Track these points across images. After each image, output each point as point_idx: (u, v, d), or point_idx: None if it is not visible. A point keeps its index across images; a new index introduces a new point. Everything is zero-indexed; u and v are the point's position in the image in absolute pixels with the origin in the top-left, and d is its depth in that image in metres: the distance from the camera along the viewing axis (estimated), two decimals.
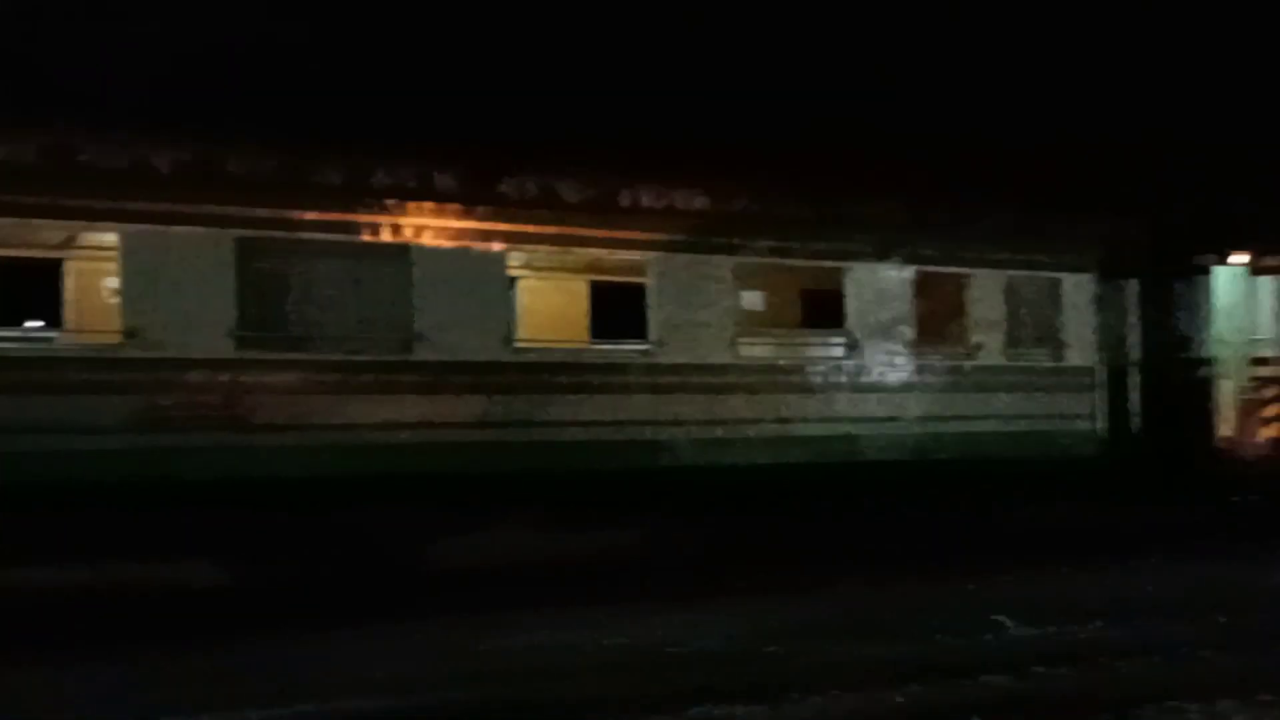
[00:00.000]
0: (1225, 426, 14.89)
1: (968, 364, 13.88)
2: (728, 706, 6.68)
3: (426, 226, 11.49)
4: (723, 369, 12.70)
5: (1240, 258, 14.83)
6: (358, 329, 11.29)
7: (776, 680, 7.25)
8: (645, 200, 12.64)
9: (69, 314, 11.64)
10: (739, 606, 9.85)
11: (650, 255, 12.48)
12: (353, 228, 11.25)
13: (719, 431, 12.62)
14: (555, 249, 12.62)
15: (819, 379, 13.22)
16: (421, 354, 11.35)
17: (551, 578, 10.61)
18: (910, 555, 11.80)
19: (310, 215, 11.04)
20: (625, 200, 12.56)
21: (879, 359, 13.35)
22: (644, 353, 12.42)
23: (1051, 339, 14.43)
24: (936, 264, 13.82)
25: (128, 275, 10.35)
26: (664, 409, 12.36)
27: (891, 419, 13.39)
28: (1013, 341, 14.14)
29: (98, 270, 11.30)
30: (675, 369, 12.46)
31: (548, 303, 13.69)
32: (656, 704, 6.74)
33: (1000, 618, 9.26)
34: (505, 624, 8.92)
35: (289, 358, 10.98)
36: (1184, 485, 14.70)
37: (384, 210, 11.36)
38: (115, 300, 10.55)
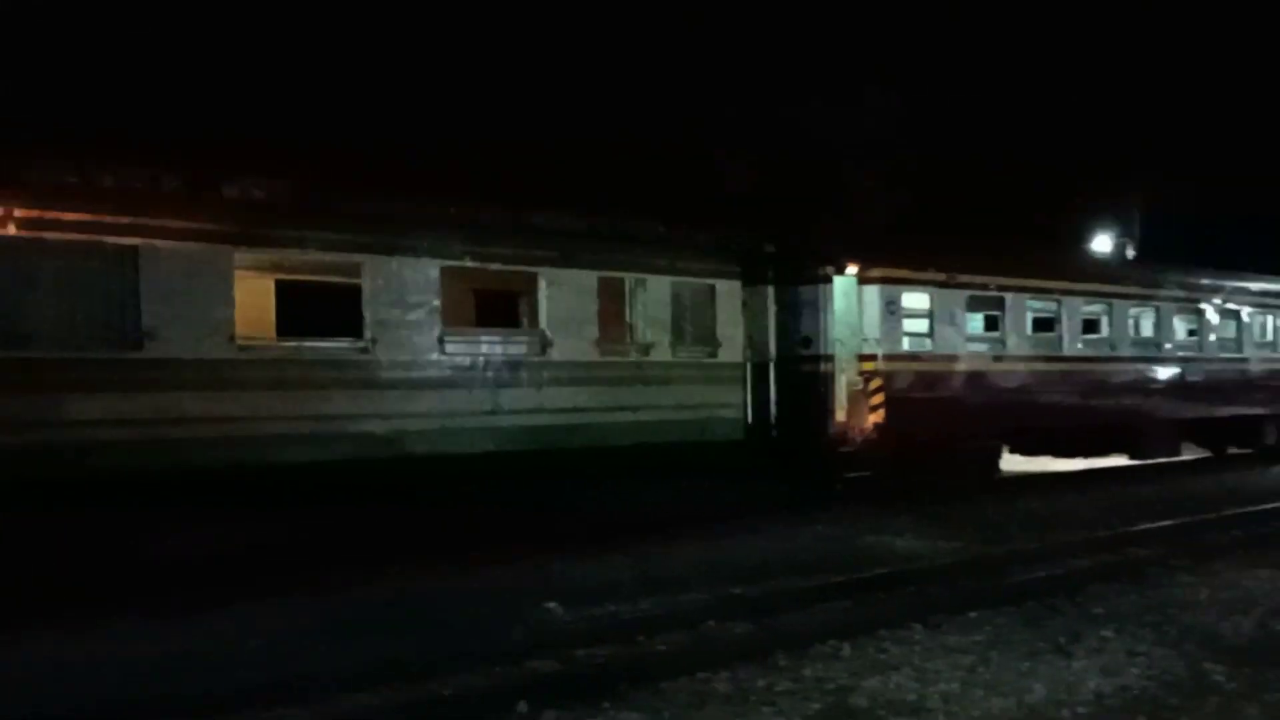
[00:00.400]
0: (841, 414, 17.06)
1: (643, 360, 15.70)
2: None
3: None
4: (429, 365, 13.77)
5: (852, 270, 17.12)
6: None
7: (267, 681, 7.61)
8: (357, 207, 13.67)
9: None
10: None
11: (364, 258, 13.37)
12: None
13: (437, 424, 13.66)
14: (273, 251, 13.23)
15: (519, 374, 14.53)
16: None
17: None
18: (495, 542, 12.49)
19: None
20: (339, 206, 13.54)
21: (566, 355, 14.84)
22: (361, 350, 13.24)
23: (708, 339, 16.46)
24: (616, 270, 15.52)
25: None
26: (382, 405, 13.27)
27: (577, 409, 14.87)
28: (677, 340, 16.05)
29: None
30: (391, 365, 13.42)
31: (267, 302, 14.29)
32: None
33: (552, 604, 10.13)
34: None
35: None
36: (804, 466, 17.04)
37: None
38: None
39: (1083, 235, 35.48)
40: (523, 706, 7.34)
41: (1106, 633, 9.37)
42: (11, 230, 10.94)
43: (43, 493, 10.59)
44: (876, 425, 16.91)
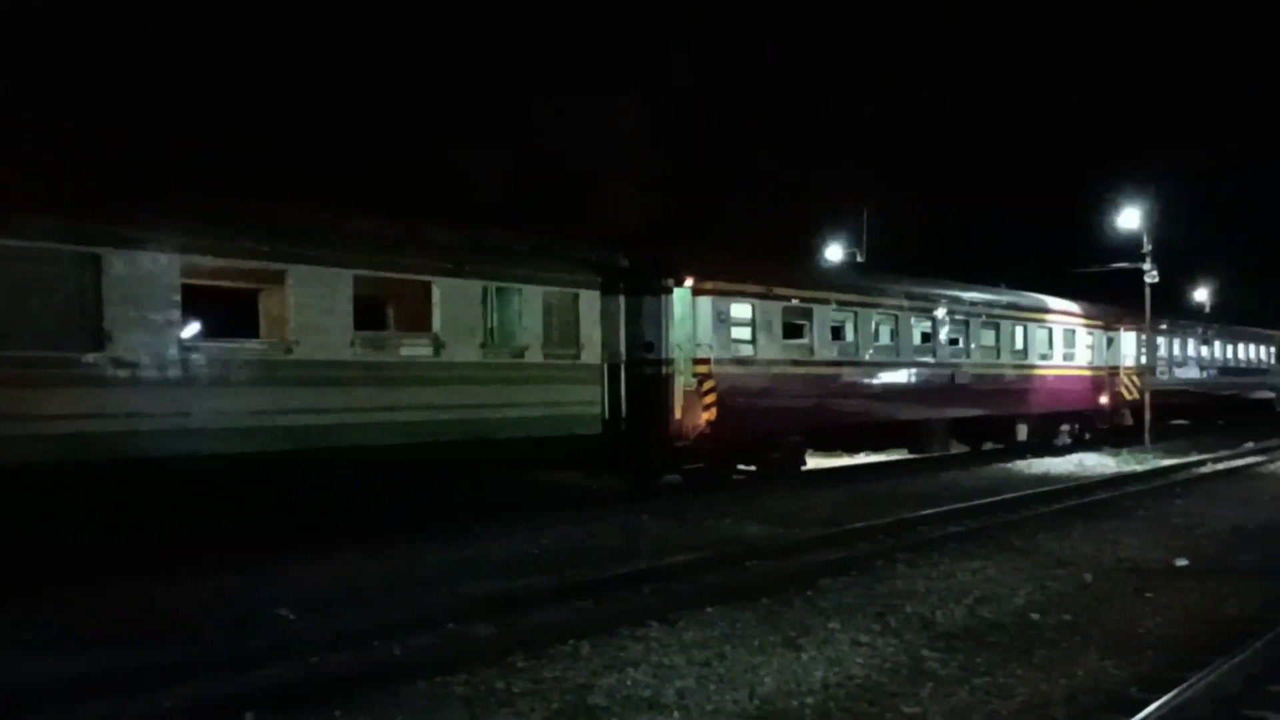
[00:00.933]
0: (678, 412, 18.54)
1: (520, 361, 16.63)
2: None
3: None
4: (343, 365, 14.32)
5: (689, 282, 18.74)
6: None
7: None
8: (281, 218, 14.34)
9: None
10: None
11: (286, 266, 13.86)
12: None
13: (348, 418, 14.31)
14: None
15: (415, 374, 15.31)
16: None
17: None
18: (247, 549, 12.13)
19: None
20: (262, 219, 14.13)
21: (459, 357, 15.66)
22: (287, 349, 13.88)
23: (572, 342, 17.40)
24: (498, 280, 16.38)
25: None
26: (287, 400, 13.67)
27: (466, 405, 15.66)
28: (547, 343, 16.97)
29: None
30: (308, 364, 13.88)
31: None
32: None
33: (284, 610, 9.94)
34: None
35: None
36: (647, 459, 18.71)
37: None
38: None
39: (817, 244, 37.09)
40: (249, 717, 7.09)
41: (834, 625, 9.77)
42: None
43: None
44: (709, 422, 18.66)
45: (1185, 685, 7.32)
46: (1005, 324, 27.25)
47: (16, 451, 11.35)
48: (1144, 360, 33.89)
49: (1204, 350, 40.68)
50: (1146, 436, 29.61)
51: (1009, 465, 25.11)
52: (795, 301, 20.82)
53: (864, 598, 10.88)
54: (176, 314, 12.90)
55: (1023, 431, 27.92)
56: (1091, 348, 31.20)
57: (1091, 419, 30.96)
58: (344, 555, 12.53)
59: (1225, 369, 43.21)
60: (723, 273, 19.53)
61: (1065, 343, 29.69)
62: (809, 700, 7.77)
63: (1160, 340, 36.13)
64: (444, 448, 15.33)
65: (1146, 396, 31.52)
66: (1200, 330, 41.03)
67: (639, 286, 18.49)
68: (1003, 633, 9.60)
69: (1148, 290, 30.43)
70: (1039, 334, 28.78)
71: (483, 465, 16.38)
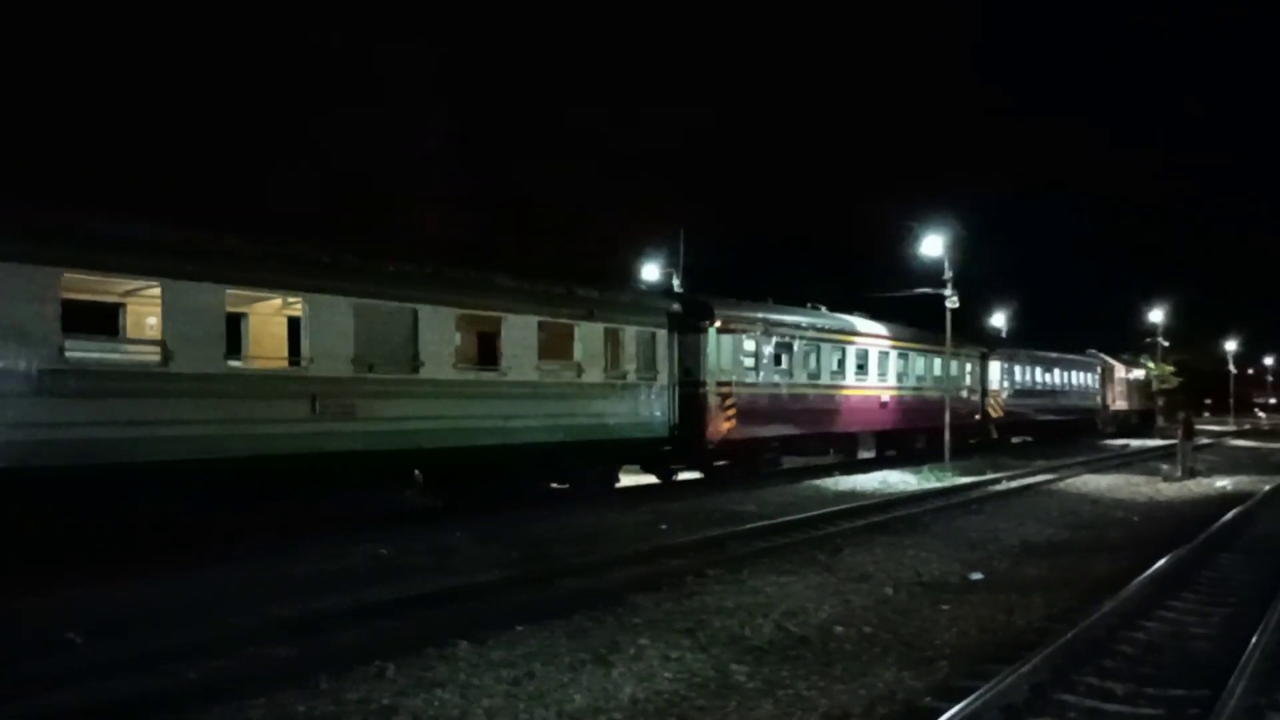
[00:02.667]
0: (712, 424, 23.89)
1: (624, 382, 21.71)
2: None
3: None
4: (529, 385, 19.34)
5: (718, 324, 24.12)
6: None
7: None
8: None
9: None
10: None
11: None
12: None
13: (532, 422, 19.23)
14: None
15: (566, 391, 20.25)
16: None
17: None
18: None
19: None
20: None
21: (592, 379, 20.84)
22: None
23: (651, 367, 22.51)
24: (612, 323, 21.44)
25: None
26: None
27: (596, 414, 20.94)
28: (639, 369, 22.10)
29: None
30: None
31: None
32: None
33: (71, 634, 9.54)
34: None
35: None
36: (688, 457, 24.31)
37: None
38: None
39: (634, 265, 37.47)
40: None
41: (644, 640, 9.83)
42: None
43: None
44: (730, 430, 24.35)
45: (975, 695, 7.60)
46: (913, 356, 34.13)
47: None
48: (1006, 384, 42.54)
49: (1047, 376, 48.51)
50: (946, 454, 30.81)
51: (818, 482, 25.77)
52: (783, 336, 27.00)
53: (674, 613, 10.98)
54: None
55: (921, 440, 34.55)
56: (969, 373, 39.26)
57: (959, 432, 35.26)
58: (140, 576, 12.00)
59: (1061, 391, 50.69)
60: (738, 315, 25.34)
61: (943, 368, 35.08)
62: (617, 716, 7.80)
63: (1017, 367, 44.64)
64: (585, 445, 20.51)
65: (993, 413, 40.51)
66: (1047, 359, 48.54)
67: (686, 327, 23.72)
68: (807, 646, 9.83)
69: (948, 315, 31.72)
70: (919, 361, 34.70)
71: (603, 459, 21.53)
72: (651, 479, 24.42)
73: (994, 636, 10.26)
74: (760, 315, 26.22)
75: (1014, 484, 26.16)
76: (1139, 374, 65.71)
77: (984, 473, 28.64)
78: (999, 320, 59.09)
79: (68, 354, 12.81)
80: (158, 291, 14.02)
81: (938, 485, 25.23)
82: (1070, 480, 28.04)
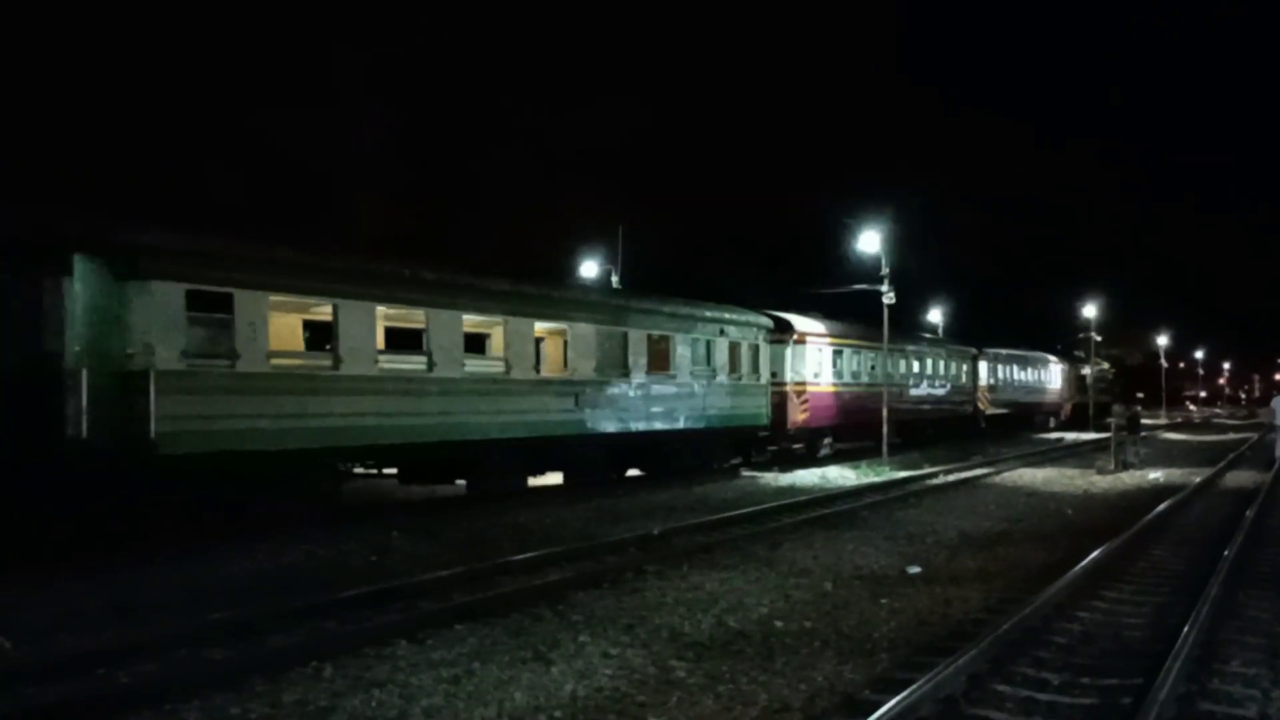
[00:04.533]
0: (791, 416, 30.50)
1: (741, 383, 27.69)
2: None
3: None
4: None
5: (797, 338, 31.58)
6: None
7: None
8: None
9: None
10: None
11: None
12: None
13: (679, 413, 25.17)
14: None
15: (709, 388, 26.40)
16: None
17: None
18: None
19: None
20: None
21: (723, 381, 26.91)
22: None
23: (756, 371, 28.45)
24: (734, 338, 27.54)
25: None
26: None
27: (730, 406, 27.24)
28: (749, 373, 28.05)
29: None
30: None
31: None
32: None
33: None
34: None
35: None
36: (778, 441, 30.39)
37: None
38: None
39: (573, 262, 37.38)
40: None
41: (584, 638, 9.80)
42: None
43: None
44: (803, 421, 31.18)
45: (914, 687, 7.66)
46: (930, 359, 42.74)
47: None
48: (991, 381, 49.90)
49: (1021, 373, 55.05)
50: (884, 450, 31.06)
51: (758, 477, 25.91)
52: (841, 345, 34.09)
53: (614, 610, 10.96)
54: None
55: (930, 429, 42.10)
56: (965, 373, 47.21)
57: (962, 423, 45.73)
58: (72, 578, 11.78)
59: (1029, 388, 56.94)
60: (811, 330, 32.37)
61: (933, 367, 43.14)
62: (558, 714, 7.75)
63: (999, 366, 51.78)
64: (717, 432, 26.61)
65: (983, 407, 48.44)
66: (1020, 357, 55.34)
67: (774, 339, 29.88)
68: (747, 641, 9.84)
69: (885, 312, 31.92)
70: (933, 362, 43.13)
71: (726, 443, 27.55)
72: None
73: (932, 629, 10.34)
74: (825, 330, 33.52)
75: (951, 478, 26.44)
76: (1084, 370, 67.05)
77: (921, 467, 28.93)
78: (935, 316, 59.71)
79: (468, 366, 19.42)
80: (503, 328, 20.26)
81: (876, 480, 25.45)
82: (1006, 474, 28.40)
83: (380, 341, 17.98)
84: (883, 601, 11.58)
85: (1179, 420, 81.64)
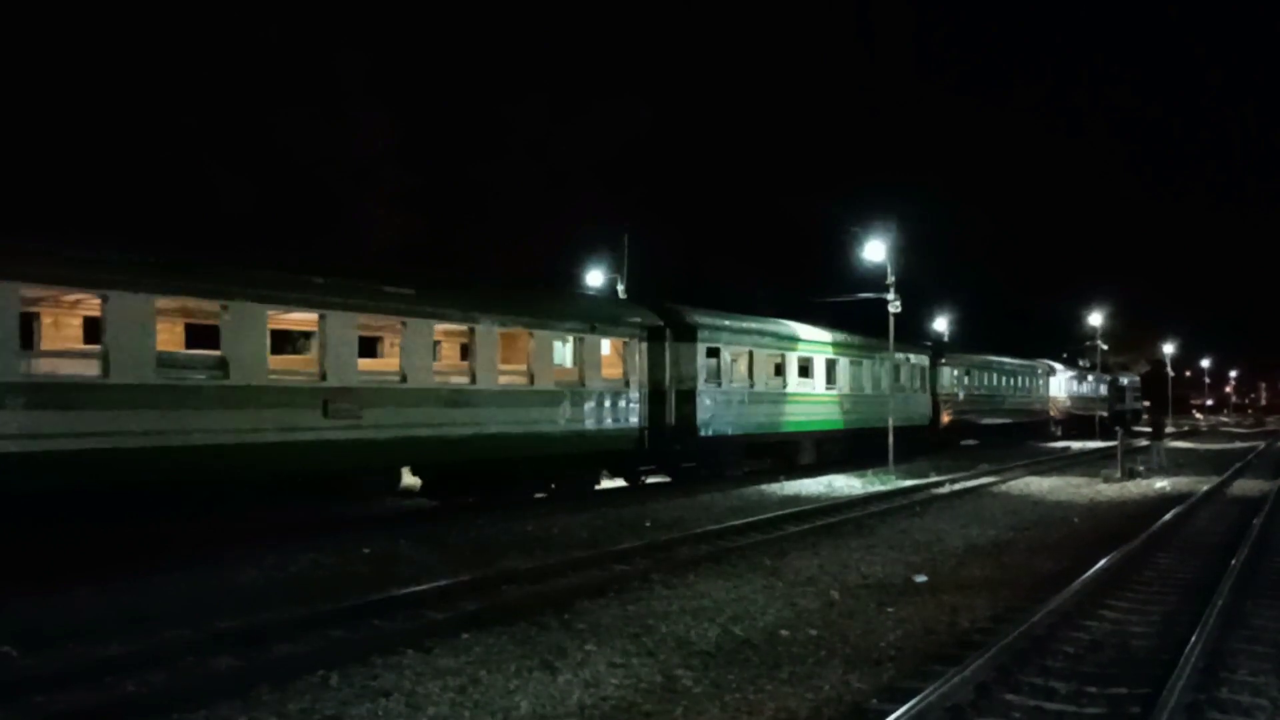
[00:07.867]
0: (942, 416, 41.71)
1: (906, 392, 37.22)
2: None
3: None
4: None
5: (943, 360, 43.56)
6: None
7: None
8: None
9: None
10: None
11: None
12: None
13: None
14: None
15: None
16: None
17: None
18: None
19: None
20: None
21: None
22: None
23: (923, 385, 39.83)
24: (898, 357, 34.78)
25: None
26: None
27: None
28: (916, 388, 38.12)
29: None
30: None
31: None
32: None
33: (6, 647, 9.32)
34: None
35: None
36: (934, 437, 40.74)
37: None
38: None
39: (581, 273, 37.31)
40: None
41: (590, 646, 9.79)
42: None
43: None
44: (948, 422, 42.73)
45: (921, 696, 7.65)
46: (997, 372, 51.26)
47: None
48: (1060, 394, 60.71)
49: (1079, 386, 64.93)
50: (890, 459, 31.01)
51: (764, 487, 25.87)
52: (963, 365, 45.87)
53: (621, 619, 10.95)
54: None
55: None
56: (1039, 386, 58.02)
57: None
58: (80, 586, 11.78)
59: (1087, 399, 65.81)
60: (951, 357, 44.20)
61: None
62: None
63: (1067, 380, 62.46)
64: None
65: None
66: (1080, 373, 65.27)
67: (932, 363, 41.09)
68: (753, 650, 9.83)
69: (891, 320, 31.92)
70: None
71: (908, 439, 34.02)
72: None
73: (939, 638, 10.33)
74: (960, 355, 45.55)
75: (957, 487, 26.41)
76: (1087, 378, 67.25)
77: (927, 475, 28.90)
78: (940, 324, 59.65)
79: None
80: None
81: (882, 489, 25.40)
82: (1013, 482, 28.37)
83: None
84: (889, 610, 11.57)
85: (1185, 428, 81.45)
